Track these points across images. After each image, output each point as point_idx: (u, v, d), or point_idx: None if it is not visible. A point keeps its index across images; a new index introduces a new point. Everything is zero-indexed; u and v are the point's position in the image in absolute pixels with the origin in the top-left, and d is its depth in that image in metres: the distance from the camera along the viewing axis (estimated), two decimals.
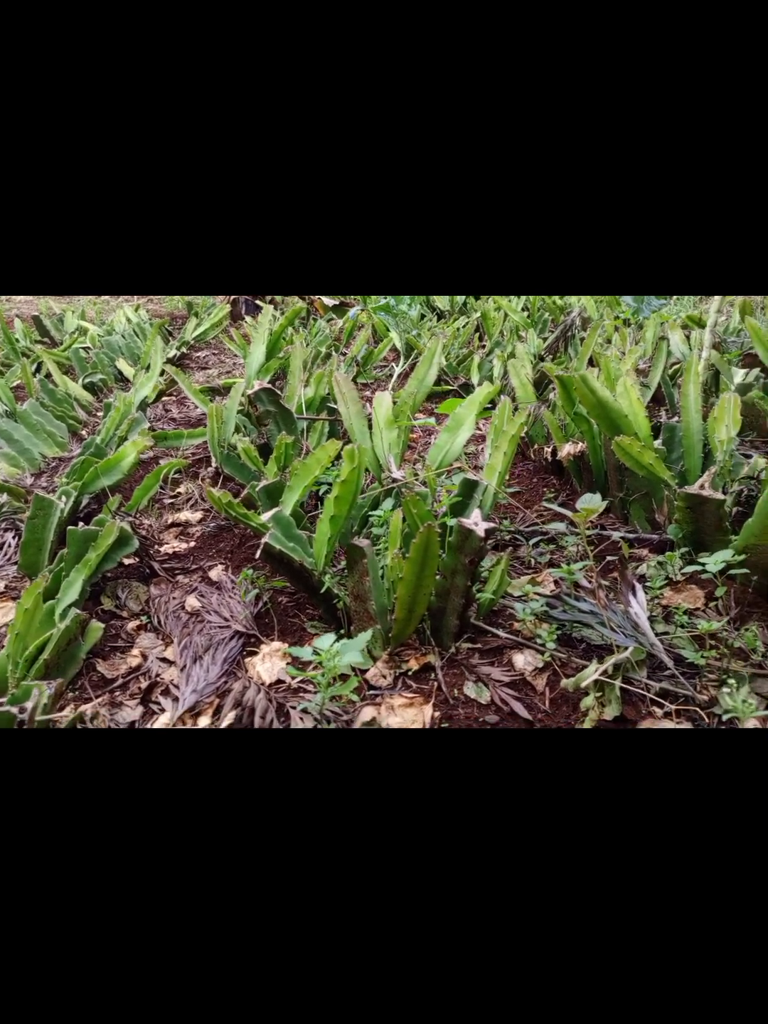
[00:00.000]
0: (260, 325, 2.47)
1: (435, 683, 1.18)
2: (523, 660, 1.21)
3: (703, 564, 1.27)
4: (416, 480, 1.50)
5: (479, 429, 2.69)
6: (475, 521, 1.11)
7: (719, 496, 1.34)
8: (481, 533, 1.09)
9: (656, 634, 1.27)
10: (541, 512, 1.87)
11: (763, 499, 1.25)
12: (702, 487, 1.36)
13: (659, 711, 1.11)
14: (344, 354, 3.06)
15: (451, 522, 1.18)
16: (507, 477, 2.13)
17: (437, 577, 1.22)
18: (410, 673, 1.20)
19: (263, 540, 1.23)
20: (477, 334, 3.92)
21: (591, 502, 1.34)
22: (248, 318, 4.95)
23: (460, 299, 4.68)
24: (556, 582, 1.46)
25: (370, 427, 1.68)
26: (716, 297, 2.11)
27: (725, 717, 1.08)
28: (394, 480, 1.56)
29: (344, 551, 1.25)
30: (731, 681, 1.14)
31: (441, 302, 4.84)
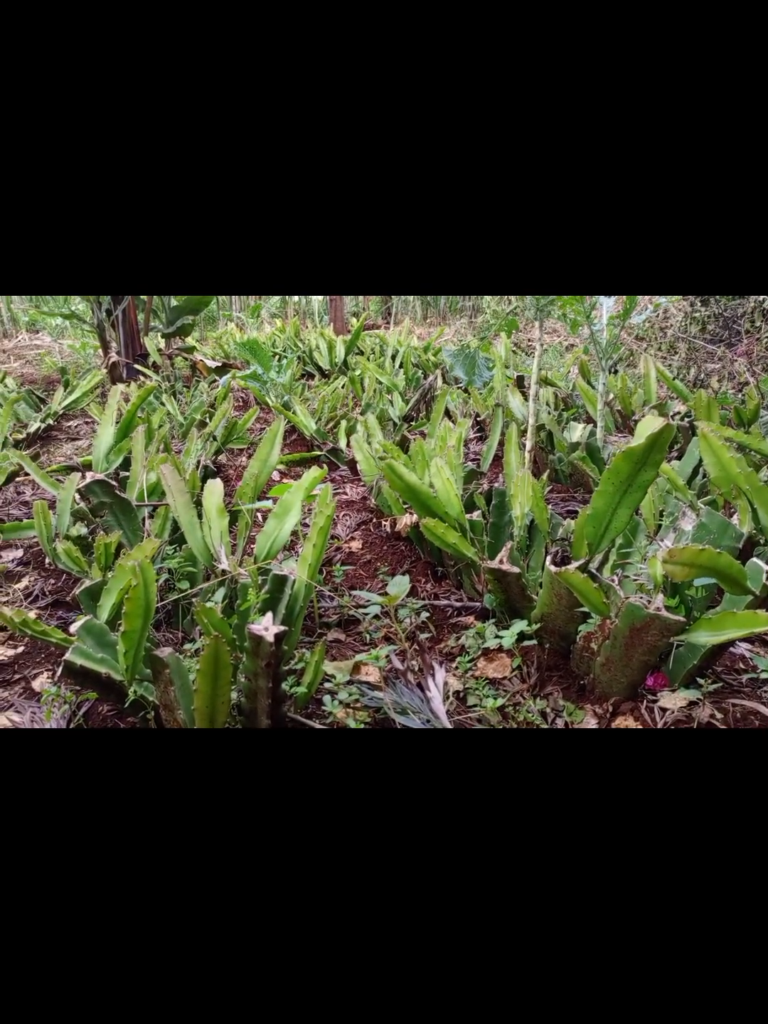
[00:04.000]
0: (109, 405, 2.43)
1: None
2: None
3: (500, 637, 1.37)
4: (240, 572, 1.52)
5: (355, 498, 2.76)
6: (265, 627, 1.14)
7: (515, 570, 1.45)
8: (270, 639, 1.12)
9: (467, 707, 1.34)
10: (385, 583, 1.94)
11: (545, 572, 1.36)
12: (501, 562, 1.47)
13: None
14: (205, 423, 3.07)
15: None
16: (357, 548, 2.20)
17: (242, 680, 1.23)
18: None
19: (64, 658, 1.20)
20: (362, 390, 4.06)
21: (399, 586, 1.42)
22: (120, 386, 4.86)
23: (339, 360, 4.84)
24: (399, 658, 1.51)
25: (201, 516, 1.69)
26: (537, 356, 2.32)
27: None
28: (225, 572, 1.57)
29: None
30: None
31: (323, 362, 4.99)
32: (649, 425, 1.18)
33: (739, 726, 1.22)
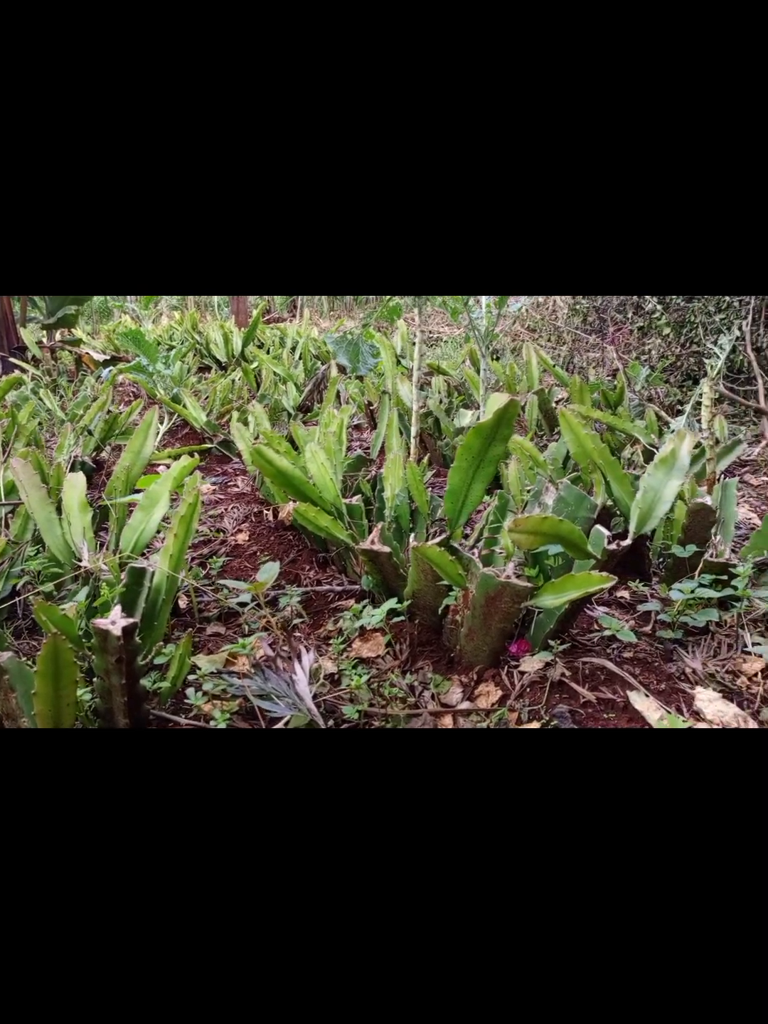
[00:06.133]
0: None
1: None
2: None
3: (371, 616, 1.38)
4: (101, 568, 1.44)
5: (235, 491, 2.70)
6: (112, 620, 1.09)
7: (385, 549, 1.47)
8: (118, 633, 1.07)
9: (342, 688, 1.34)
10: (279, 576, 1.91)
11: (413, 551, 1.39)
12: (372, 543, 1.49)
13: None
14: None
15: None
16: (243, 540, 2.16)
17: (97, 680, 1.17)
18: None
19: None
20: (257, 384, 3.97)
21: (268, 572, 1.40)
22: None
23: (237, 351, 4.72)
24: (271, 647, 1.49)
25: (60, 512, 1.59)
26: (417, 345, 2.37)
27: None
28: (85, 568, 1.49)
29: None
30: (388, 725, 1.24)
31: (220, 354, 4.84)
32: (496, 402, 1.23)
33: (589, 683, 1.31)
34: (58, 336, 5.08)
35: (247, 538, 2.17)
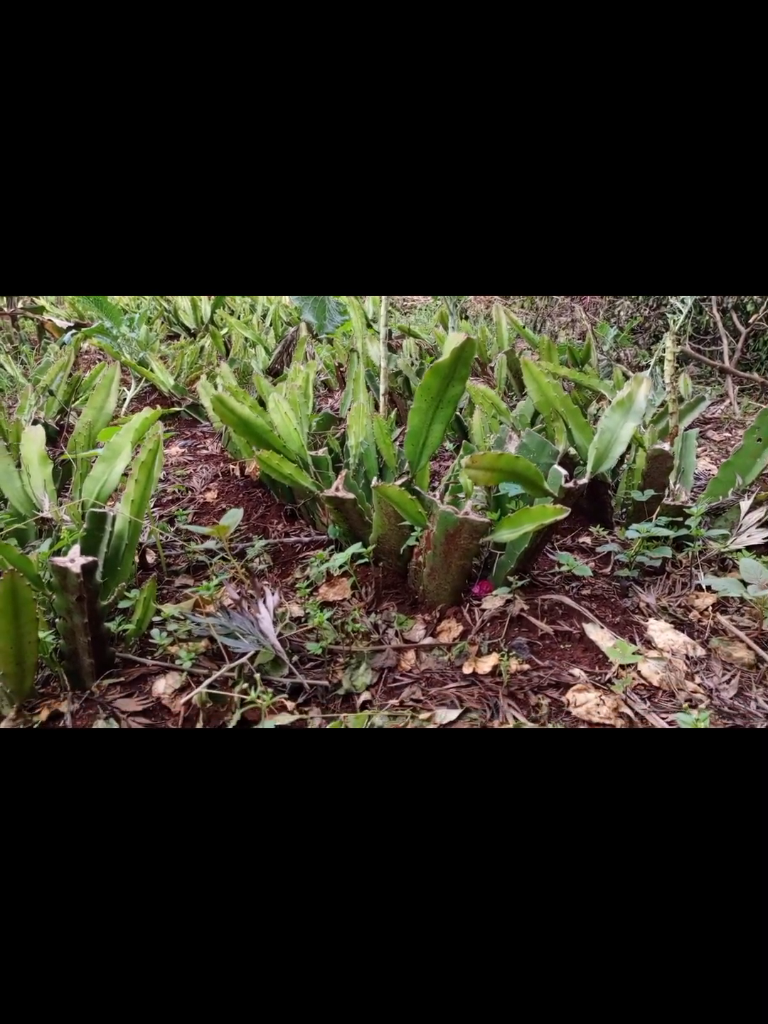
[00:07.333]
0: None
1: (64, 727, 1.13)
2: (164, 685, 1.22)
3: (336, 560, 1.40)
4: (63, 518, 1.43)
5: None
6: (71, 559, 1.09)
7: (350, 496, 1.48)
8: (77, 570, 1.07)
9: (306, 631, 1.36)
10: (247, 529, 1.91)
11: (375, 491, 1.41)
12: (337, 489, 1.50)
13: (291, 704, 1.19)
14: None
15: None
16: (212, 498, 2.15)
17: (59, 620, 1.17)
18: (36, 725, 1.14)
19: None
20: (227, 349, 3.91)
21: (232, 517, 1.40)
22: None
23: (205, 317, 4.63)
24: (237, 591, 1.50)
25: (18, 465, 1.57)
26: (383, 305, 2.35)
27: (341, 692, 1.20)
28: (46, 520, 1.47)
29: None
30: (352, 661, 1.27)
31: (188, 321, 4.75)
32: (453, 341, 1.24)
33: (547, 617, 1.35)
34: (19, 303, 4.91)
35: (215, 496, 2.16)
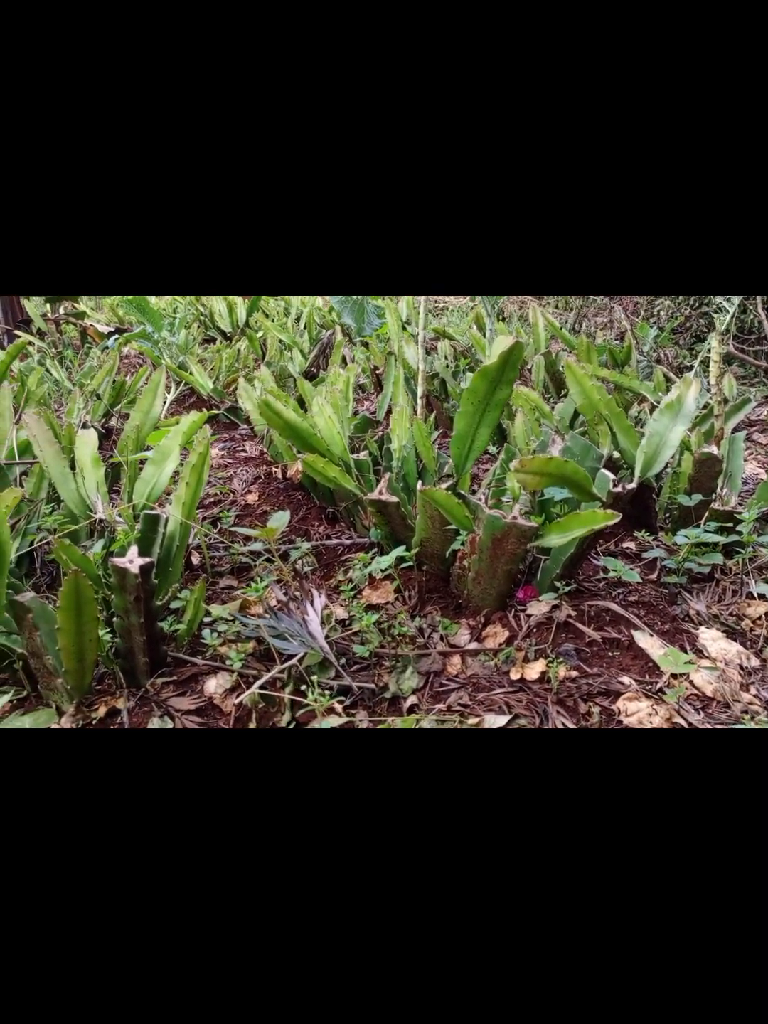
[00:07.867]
0: None
1: (121, 724, 1.16)
2: (215, 684, 1.25)
3: (379, 562, 1.41)
4: (116, 519, 1.47)
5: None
6: (129, 559, 1.12)
7: (394, 499, 1.49)
8: (136, 571, 1.11)
9: (351, 633, 1.38)
10: (289, 532, 1.94)
11: (420, 495, 1.41)
12: (380, 493, 1.51)
13: (339, 707, 1.20)
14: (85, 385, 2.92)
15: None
16: (253, 500, 2.18)
17: (116, 620, 1.21)
18: (95, 721, 1.17)
19: None
20: (262, 352, 3.97)
21: (279, 520, 1.42)
22: None
23: (241, 320, 4.70)
24: (283, 592, 1.52)
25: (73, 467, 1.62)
26: (421, 307, 2.35)
27: (387, 696, 1.21)
28: (99, 521, 1.52)
29: None
30: (398, 665, 1.28)
31: (224, 325, 4.82)
32: (501, 344, 1.23)
33: (594, 624, 1.33)
34: (62, 309, 5.07)
35: (257, 498, 2.19)
